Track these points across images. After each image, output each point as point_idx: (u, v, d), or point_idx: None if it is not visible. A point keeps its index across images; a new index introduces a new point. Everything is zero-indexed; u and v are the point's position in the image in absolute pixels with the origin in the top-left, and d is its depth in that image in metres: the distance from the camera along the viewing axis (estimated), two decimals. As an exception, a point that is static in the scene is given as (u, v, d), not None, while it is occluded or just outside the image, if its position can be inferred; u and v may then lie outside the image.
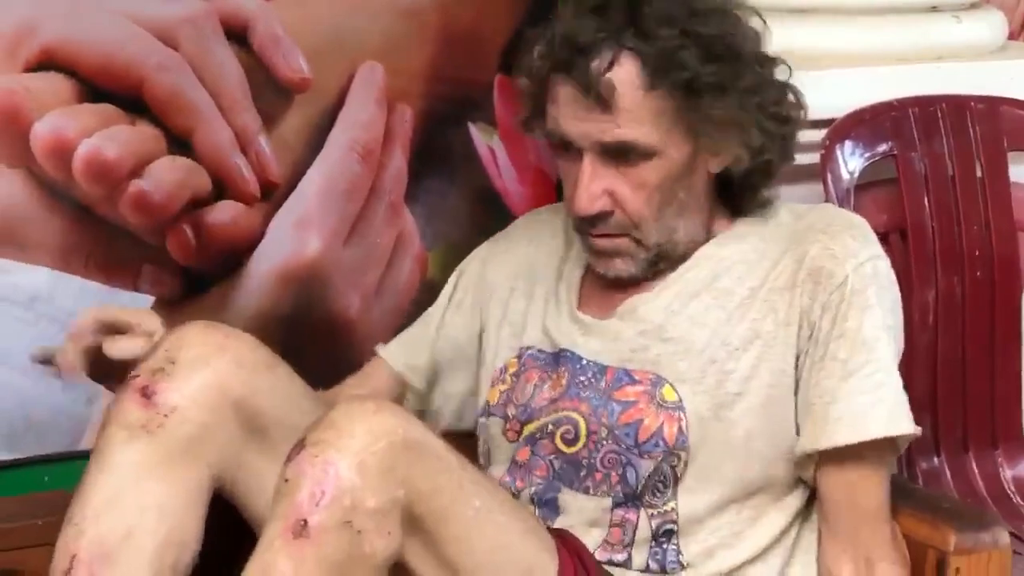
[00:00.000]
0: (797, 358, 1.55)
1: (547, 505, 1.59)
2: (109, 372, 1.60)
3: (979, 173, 2.16)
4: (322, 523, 1.31)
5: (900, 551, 1.56)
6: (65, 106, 1.75)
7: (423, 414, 1.78)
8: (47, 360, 1.65)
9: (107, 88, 1.78)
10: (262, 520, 1.44)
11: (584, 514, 1.57)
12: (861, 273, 1.54)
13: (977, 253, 2.14)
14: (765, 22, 1.59)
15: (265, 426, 1.52)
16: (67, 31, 1.76)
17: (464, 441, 1.65)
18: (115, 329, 1.59)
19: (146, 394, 1.47)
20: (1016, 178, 2.19)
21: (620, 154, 1.54)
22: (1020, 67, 2.30)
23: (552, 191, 2.09)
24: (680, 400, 1.54)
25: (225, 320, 1.80)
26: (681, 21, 1.51)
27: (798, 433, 1.55)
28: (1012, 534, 1.63)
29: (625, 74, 1.50)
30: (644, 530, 1.55)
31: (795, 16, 2.17)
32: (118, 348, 1.57)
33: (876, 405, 1.52)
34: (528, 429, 1.62)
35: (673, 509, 1.55)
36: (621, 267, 1.60)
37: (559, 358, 1.63)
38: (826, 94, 2.07)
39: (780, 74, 1.59)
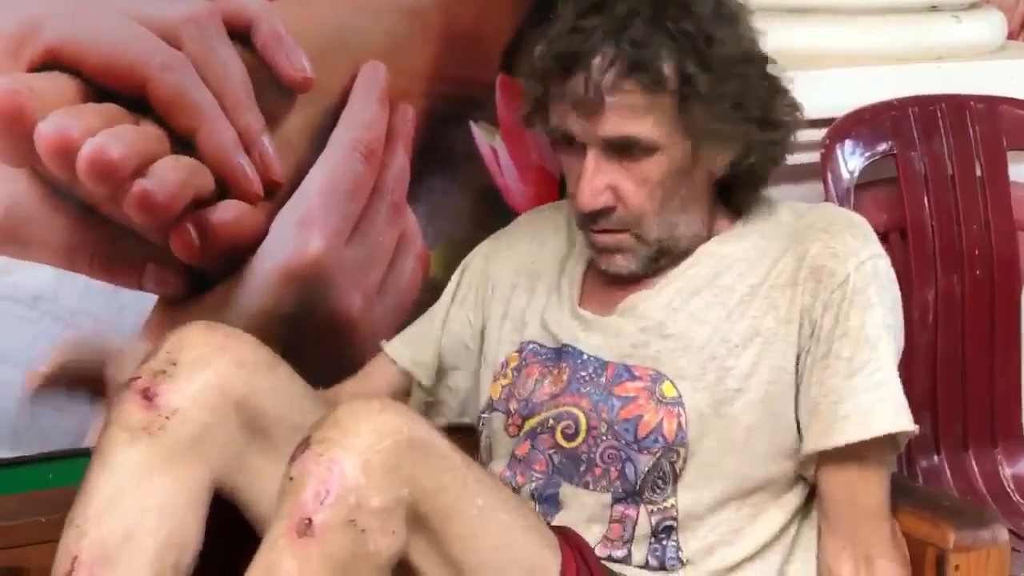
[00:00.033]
0: (798, 356, 1.56)
1: (548, 501, 1.59)
2: None
3: (979, 172, 2.17)
4: (327, 522, 1.31)
5: (900, 549, 1.57)
6: (69, 106, 1.75)
7: (428, 408, 1.79)
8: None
9: (111, 88, 1.78)
10: (263, 520, 1.45)
11: (584, 510, 1.57)
12: (862, 272, 1.55)
13: (977, 252, 2.15)
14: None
15: (266, 426, 1.52)
16: (71, 31, 1.76)
17: (465, 436, 1.66)
18: None
19: (147, 396, 1.48)
20: (1015, 177, 2.19)
21: (623, 149, 1.54)
22: (1020, 67, 2.30)
23: (554, 189, 2.09)
24: (680, 396, 1.55)
25: (228, 319, 1.81)
26: (679, 23, 1.52)
27: (798, 430, 1.56)
28: (1011, 531, 1.63)
29: (626, 72, 1.51)
30: (644, 526, 1.56)
31: (795, 16, 2.18)
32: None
33: (880, 402, 1.52)
34: (529, 424, 1.62)
35: (673, 505, 1.55)
36: (622, 263, 1.61)
37: (561, 353, 1.63)
38: (826, 94, 2.09)
39: (775, 71, 1.60)
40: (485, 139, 2.07)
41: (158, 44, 1.78)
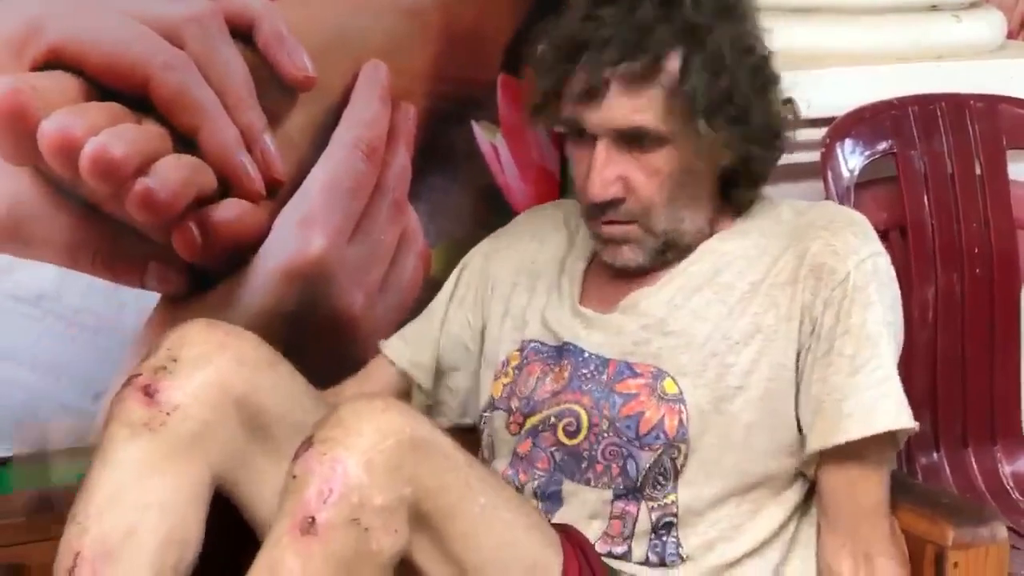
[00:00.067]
0: (798, 353, 1.56)
1: (550, 498, 1.60)
2: None
3: (978, 171, 2.17)
4: (330, 520, 1.31)
5: (899, 546, 1.57)
6: (72, 105, 1.75)
7: (430, 409, 1.79)
8: None
9: (113, 87, 1.78)
10: (263, 518, 1.45)
11: (585, 506, 1.58)
12: (863, 270, 1.55)
13: (976, 250, 2.15)
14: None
15: (267, 424, 1.52)
16: (74, 30, 1.76)
17: (467, 435, 1.66)
18: None
19: (148, 392, 1.48)
20: (1015, 176, 2.19)
21: (634, 140, 1.55)
22: (1019, 66, 2.30)
23: (555, 188, 2.09)
24: (681, 393, 1.55)
25: (230, 317, 1.81)
26: (691, 16, 1.53)
27: (798, 427, 1.57)
28: (1010, 529, 1.64)
29: (638, 62, 1.52)
30: (644, 523, 1.56)
31: (796, 15, 2.18)
32: None
33: (883, 399, 1.53)
34: (531, 422, 1.63)
35: (673, 502, 1.56)
36: (629, 256, 1.61)
37: (562, 351, 1.64)
38: (826, 93, 2.09)
39: (776, 69, 1.61)
40: (486, 138, 2.08)
41: (160, 43, 1.78)
